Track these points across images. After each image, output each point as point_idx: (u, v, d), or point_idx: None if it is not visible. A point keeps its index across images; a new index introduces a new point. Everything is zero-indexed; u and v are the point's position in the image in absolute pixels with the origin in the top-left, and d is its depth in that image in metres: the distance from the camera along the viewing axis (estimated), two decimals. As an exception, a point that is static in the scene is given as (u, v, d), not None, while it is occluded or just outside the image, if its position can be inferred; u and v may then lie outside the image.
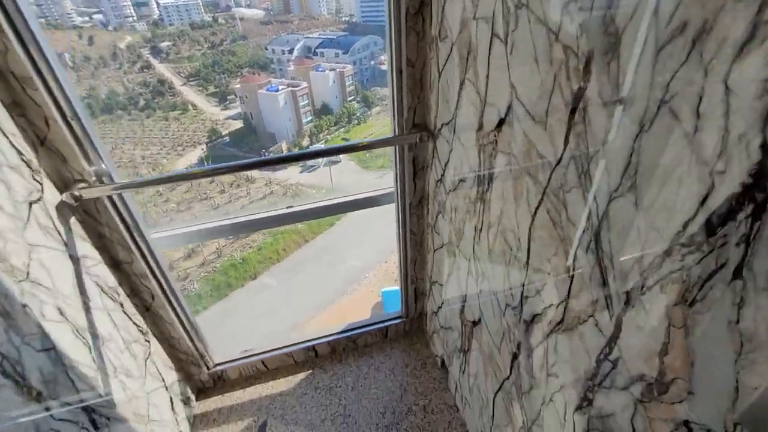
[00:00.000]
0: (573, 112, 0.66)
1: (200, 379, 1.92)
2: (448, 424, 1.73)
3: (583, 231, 0.70)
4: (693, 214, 0.49)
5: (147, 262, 1.43)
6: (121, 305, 1.41)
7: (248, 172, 23.59)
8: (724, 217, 0.46)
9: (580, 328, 0.77)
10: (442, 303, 1.68)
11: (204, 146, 26.75)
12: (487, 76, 0.91)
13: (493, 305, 1.16)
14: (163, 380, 1.63)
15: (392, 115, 1.40)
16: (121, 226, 1.31)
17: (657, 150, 0.52)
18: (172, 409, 1.67)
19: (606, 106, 0.59)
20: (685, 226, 0.50)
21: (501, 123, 0.90)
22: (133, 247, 1.37)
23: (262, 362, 1.97)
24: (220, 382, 1.97)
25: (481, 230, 1.13)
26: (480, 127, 1.00)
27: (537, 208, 0.83)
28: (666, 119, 0.50)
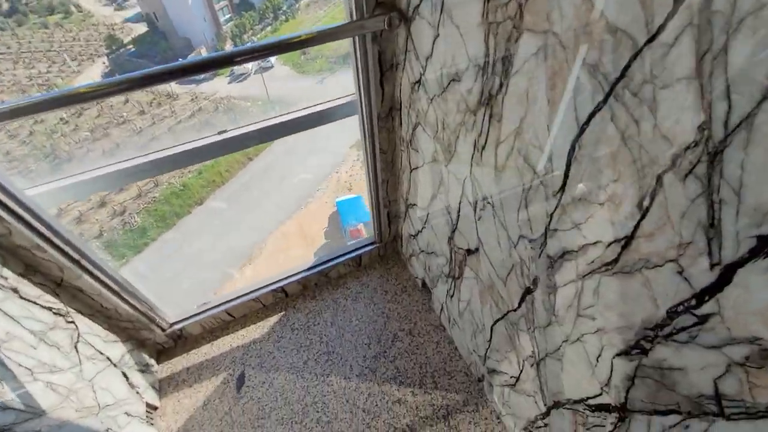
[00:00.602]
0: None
1: (157, 342, 1.68)
2: (436, 345, 1.68)
3: (686, 148, 0.46)
4: None
5: (31, 227, 1.04)
6: (14, 291, 1.06)
7: (169, 87, 20.54)
8: None
9: (647, 274, 0.58)
10: (423, 227, 1.48)
11: (105, 58, 22.45)
12: None
13: (498, 235, 0.96)
14: (108, 358, 1.37)
15: (346, -9, 0.98)
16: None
17: None
18: (128, 383, 1.45)
19: None
20: None
21: (535, -21, 0.57)
22: (0, 212, 0.96)
23: (227, 313, 1.75)
24: (181, 341, 1.75)
25: (484, 147, 0.87)
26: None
27: (592, 115, 0.57)
28: None
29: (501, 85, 0.74)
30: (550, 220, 0.75)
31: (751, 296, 0.46)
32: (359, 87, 1.19)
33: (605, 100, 0.54)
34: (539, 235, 0.80)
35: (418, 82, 1.05)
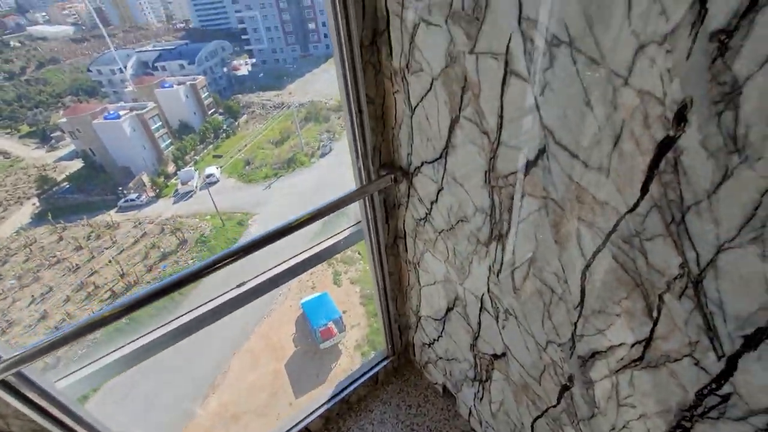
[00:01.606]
0: (657, 159, 0.60)
1: None
2: (470, 452, 1.67)
3: (675, 278, 0.66)
4: None
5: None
6: None
7: (109, 217, 19.91)
8: None
9: (671, 366, 0.75)
10: (439, 336, 1.59)
11: (36, 199, 21.57)
12: (500, 115, 0.81)
13: (525, 341, 1.10)
14: None
15: (354, 159, 1.21)
16: None
17: (800, 205, 0.48)
18: None
19: (714, 156, 0.54)
20: None
21: (529, 165, 0.81)
22: None
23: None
24: None
25: (500, 271, 1.05)
26: (492, 169, 0.90)
27: (596, 253, 0.77)
28: (818, 176, 0.46)
29: (509, 228, 0.95)
30: (575, 327, 0.91)
31: (753, 378, 0.63)
32: (369, 227, 1.37)
33: (604, 244, 0.75)
34: (567, 340, 0.96)
35: (424, 219, 1.26)
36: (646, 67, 0.55)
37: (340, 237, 1.50)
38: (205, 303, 1.37)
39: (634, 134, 0.61)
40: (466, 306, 1.29)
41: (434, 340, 1.65)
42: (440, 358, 1.68)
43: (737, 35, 0.46)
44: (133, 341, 1.23)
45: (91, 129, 22.63)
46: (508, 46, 0.72)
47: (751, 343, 0.61)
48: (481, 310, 1.23)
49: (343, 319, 12.20)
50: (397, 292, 1.66)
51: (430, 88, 0.95)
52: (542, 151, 0.77)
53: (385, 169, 1.24)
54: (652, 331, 0.74)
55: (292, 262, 1.47)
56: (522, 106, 0.76)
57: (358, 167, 1.22)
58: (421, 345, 1.80)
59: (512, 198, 0.90)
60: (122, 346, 1.22)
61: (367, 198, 1.29)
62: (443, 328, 1.53)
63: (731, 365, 0.65)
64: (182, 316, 1.32)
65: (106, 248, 18.10)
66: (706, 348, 0.67)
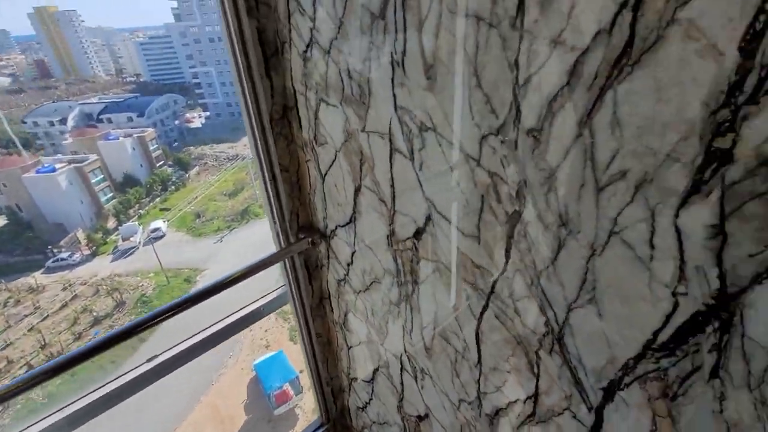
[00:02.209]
0: (511, 229, 0.68)
1: None
2: None
3: (544, 335, 0.72)
4: (661, 326, 0.54)
5: None
6: None
7: (32, 280, 17.88)
8: (692, 329, 0.51)
9: (557, 420, 0.78)
10: (370, 399, 1.54)
11: (-59, 266, 19.06)
12: (392, 186, 0.88)
13: (442, 401, 1.11)
14: None
15: (272, 222, 1.23)
16: None
17: (613, 271, 0.57)
18: None
19: (549, 228, 0.62)
20: (655, 335, 0.55)
21: (420, 232, 0.87)
22: None
23: None
24: None
25: (412, 330, 1.08)
26: (392, 234, 0.96)
27: (482, 313, 0.82)
28: (619, 247, 0.54)
29: (413, 288, 0.99)
30: (479, 385, 0.94)
31: (614, 426, 0.68)
32: (291, 289, 1.36)
33: (487, 304, 0.80)
34: (474, 398, 0.98)
35: (343, 280, 1.28)
36: (490, 153, 0.64)
37: (264, 301, 1.47)
38: (113, 380, 1.26)
39: (491, 207, 0.69)
40: (389, 367, 1.29)
41: (366, 403, 1.60)
42: (374, 422, 1.62)
43: (544, 133, 0.56)
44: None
45: (20, 183, 20.96)
46: (390, 128, 0.81)
47: (608, 395, 0.66)
48: (402, 371, 1.23)
49: (300, 380, 11.38)
50: (327, 354, 1.62)
51: (335, 158, 1.01)
52: (429, 219, 0.84)
53: (303, 232, 1.26)
54: (537, 386, 0.79)
55: (210, 332, 1.40)
56: (408, 179, 0.83)
57: (276, 231, 1.24)
58: (356, 409, 1.74)
59: (412, 261, 0.95)
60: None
61: (287, 260, 1.29)
62: (372, 390, 1.49)
63: (599, 417, 0.70)
64: (90, 393, 1.19)
65: (27, 315, 16.08)
66: (579, 401, 0.72)
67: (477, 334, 0.86)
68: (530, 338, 0.75)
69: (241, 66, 0.96)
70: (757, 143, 0.39)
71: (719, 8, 0.37)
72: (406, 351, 1.15)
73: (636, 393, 0.62)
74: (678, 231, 0.48)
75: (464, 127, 0.66)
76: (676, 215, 0.47)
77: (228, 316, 1.37)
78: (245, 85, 0.99)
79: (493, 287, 0.77)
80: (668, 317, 0.53)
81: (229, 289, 1.12)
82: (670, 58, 0.41)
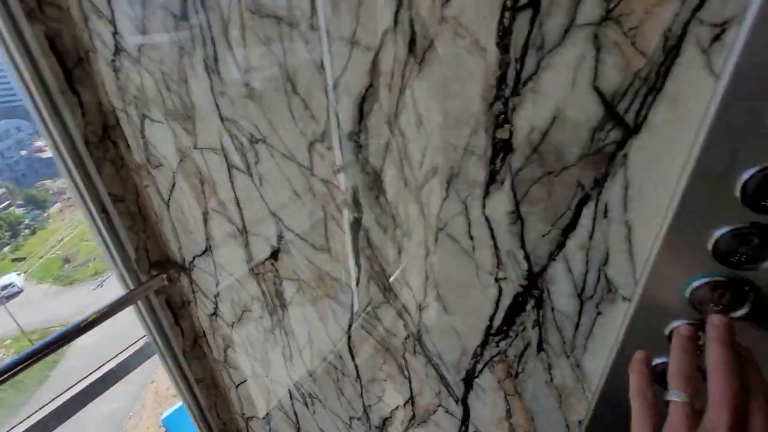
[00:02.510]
0: (355, 237, 0.65)
1: None
2: None
3: (406, 338, 0.71)
4: (494, 312, 0.57)
5: None
6: None
7: None
8: (517, 310, 0.54)
9: (433, 418, 0.78)
10: (269, 436, 1.41)
11: None
12: (239, 206, 0.80)
13: (335, 422, 1.05)
14: None
15: (112, 264, 1.04)
16: None
17: (447, 266, 0.57)
18: None
19: (387, 232, 0.61)
20: (491, 320, 0.58)
21: (276, 252, 0.81)
22: None
23: None
24: None
25: (291, 356, 1.00)
26: (250, 257, 0.87)
27: (350, 326, 0.79)
28: (447, 242, 0.55)
29: (283, 313, 0.92)
30: (363, 399, 0.90)
31: (482, 414, 0.70)
32: (154, 336, 1.17)
33: (352, 317, 0.77)
34: (362, 413, 0.94)
35: (214, 314, 1.14)
36: (320, 160, 0.61)
37: (127, 354, 1.25)
38: None
39: (334, 217, 0.66)
40: (280, 398, 1.19)
41: (266, 441, 1.46)
42: (278, 459, 1.49)
43: (362, 136, 0.54)
44: None
45: None
46: (221, 142, 0.73)
47: (468, 385, 0.68)
48: (292, 400, 1.14)
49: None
50: (215, 397, 1.44)
51: (174, 182, 0.89)
52: (281, 237, 0.77)
53: (158, 267, 1.10)
54: (411, 389, 0.78)
55: (68, 396, 1.14)
56: (252, 197, 0.76)
57: (120, 272, 1.05)
58: (258, 450, 1.58)
59: (275, 283, 0.87)
60: None
61: (141, 303, 1.11)
62: (270, 427, 1.37)
63: (466, 407, 0.71)
64: None
65: None
66: (447, 396, 0.73)
67: (350, 348, 0.83)
68: (395, 343, 0.73)
69: (30, 82, 0.78)
70: (527, 132, 0.41)
71: (475, 5, 0.38)
72: (291, 378, 1.07)
73: (488, 378, 0.64)
74: (488, 220, 0.50)
75: (291, 136, 0.62)
76: (484, 206, 0.49)
77: (70, 388, 1.13)
78: (41, 104, 0.81)
79: (354, 298, 0.74)
80: (497, 302, 0.55)
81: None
82: (448, 55, 0.42)
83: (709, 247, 0.36)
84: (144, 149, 0.89)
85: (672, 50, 0.32)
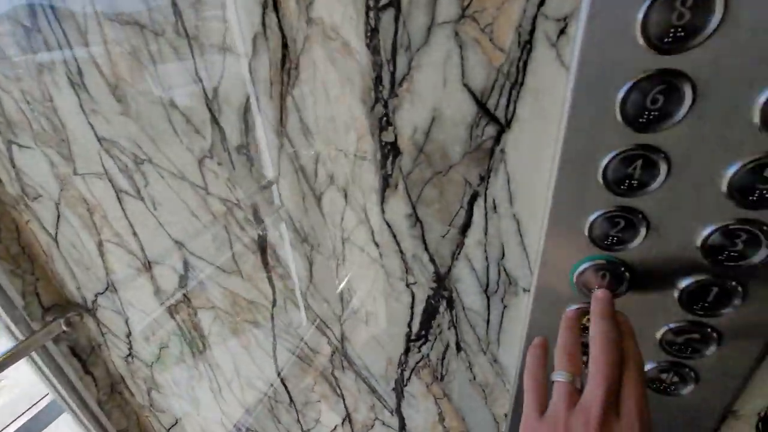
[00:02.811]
0: (264, 255, 0.61)
1: None
2: None
3: (332, 354, 0.68)
4: (410, 317, 0.55)
5: None
6: None
7: None
8: (432, 313, 0.53)
9: (373, 432, 0.76)
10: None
11: None
12: (135, 234, 0.72)
13: (276, 452, 0.98)
14: None
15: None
16: None
17: (358, 275, 0.55)
18: None
19: (294, 247, 0.57)
20: (410, 326, 0.56)
21: (184, 280, 0.74)
22: None
23: None
24: None
25: (221, 390, 0.92)
26: (157, 290, 0.79)
27: (274, 350, 0.74)
28: (354, 252, 0.53)
29: (204, 345, 0.84)
30: (300, 424, 0.85)
31: (416, 421, 0.68)
32: (58, 391, 1.02)
33: (275, 340, 0.73)
34: (302, 438, 0.89)
35: (129, 355, 1.03)
36: (213, 178, 0.56)
37: (24, 420, 1.08)
38: None
39: (238, 237, 0.61)
40: (216, 435, 1.10)
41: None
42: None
43: (252, 148, 0.51)
44: None
45: None
46: (103, 166, 0.65)
47: (399, 394, 0.66)
48: (229, 436, 1.06)
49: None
50: (144, 447, 1.30)
51: (59, 213, 0.79)
52: (186, 264, 0.71)
53: (55, 312, 0.96)
54: (345, 406, 0.75)
55: None
56: (148, 223, 0.69)
57: (5, 323, 0.90)
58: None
59: (190, 314, 0.80)
60: None
61: (37, 354, 0.96)
62: (211, 467, 1.26)
63: (401, 416, 0.70)
64: None
65: None
66: (381, 408, 0.70)
67: (278, 373, 0.78)
68: (322, 361, 0.70)
69: None
70: (410, 133, 0.41)
71: (340, 6, 0.37)
72: (224, 413, 0.99)
73: (416, 385, 0.62)
74: (389, 225, 0.48)
75: (178, 154, 0.57)
76: (383, 211, 0.47)
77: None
78: None
79: (273, 320, 0.70)
80: (412, 308, 0.54)
81: None
82: (321, 58, 0.40)
83: (586, 232, 0.37)
84: (17, 180, 0.78)
85: (526, 45, 0.33)
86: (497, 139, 0.38)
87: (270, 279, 0.63)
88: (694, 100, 0.28)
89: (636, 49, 0.28)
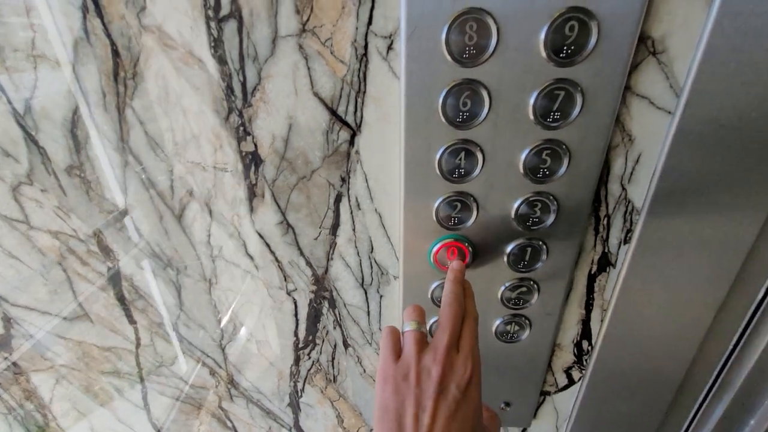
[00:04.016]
0: (116, 289, 0.54)
1: None
2: None
3: (217, 386, 0.63)
4: (296, 325, 0.56)
5: None
6: None
7: None
8: (316, 316, 0.55)
9: (273, 457, 0.72)
10: None
11: None
12: None
13: None
14: None
15: None
16: None
17: (238, 293, 0.53)
18: None
19: (157, 274, 0.52)
20: (296, 334, 0.56)
21: (5, 342, 0.59)
22: None
23: None
24: None
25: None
26: (-37, 361, 0.61)
27: (146, 398, 0.65)
28: (227, 268, 0.51)
29: (46, 417, 0.69)
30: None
31: (314, 430, 0.68)
32: None
33: (143, 386, 0.64)
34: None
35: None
36: (36, 207, 0.47)
37: None
38: None
39: (80, 273, 0.53)
40: None
41: None
42: None
43: (85, 168, 0.44)
44: None
45: None
46: None
47: (295, 408, 0.65)
48: None
49: None
50: None
51: None
52: (8, 320, 0.57)
53: None
54: (240, 438, 0.70)
55: None
56: (-61, 276, 0.54)
57: None
58: None
59: (20, 382, 0.64)
60: None
61: None
62: None
63: (300, 431, 0.68)
64: None
65: None
66: (279, 428, 0.68)
67: (153, 425, 0.68)
68: (207, 396, 0.64)
69: None
70: (270, 141, 0.41)
71: (177, 14, 0.36)
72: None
73: (311, 393, 0.62)
74: (261, 235, 0.48)
75: (-20, 183, 0.46)
76: (253, 222, 0.47)
77: None
78: None
79: (138, 364, 0.61)
80: (296, 315, 0.54)
81: None
82: (162, 68, 0.38)
83: (434, 217, 0.43)
84: None
85: (362, 58, 0.37)
86: (351, 142, 0.41)
87: (129, 315, 0.56)
88: (490, 104, 0.36)
89: (445, 63, 0.34)
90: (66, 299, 0.54)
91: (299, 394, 0.63)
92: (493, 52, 0.33)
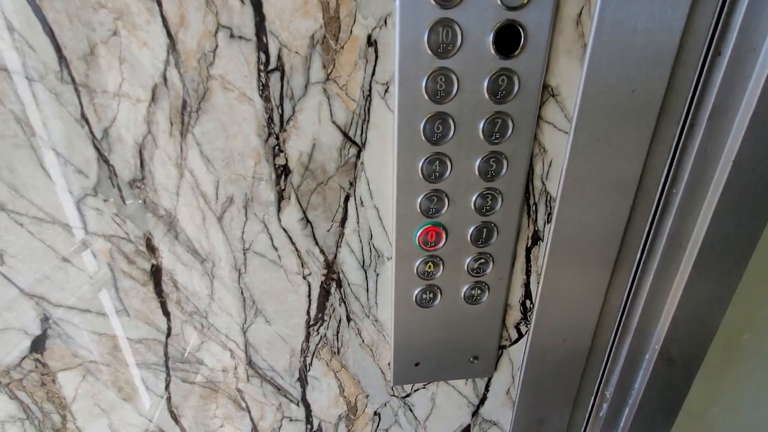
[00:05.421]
0: (158, 286, 0.64)
1: None
2: None
3: (235, 368, 0.73)
4: (308, 305, 0.69)
5: None
6: None
7: None
8: (326, 296, 0.68)
9: (281, 434, 0.82)
10: None
11: None
12: (-38, 302, 0.61)
13: None
14: None
15: None
16: None
17: (260, 280, 0.65)
18: None
19: (194, 269, 0.63)
20: (309, 313, 0.69)
21: (40, 342, 0.66)
22: None
23: None
24: None
25: (87, 468, 0.79)
26: (-7, 365, 0.66)
27: (168, 386, 0.73)
28: (256, 259, 0.63)
29: (63, 418, 0.74)
30: (199, 463, 0.83)
31: (318, 403, 0.80)
32: None
33: (169, 374, 0.72)
34: (201, 481, 0.86)
35: None
36: (96, 216, 0.57)
37: None
38: None
39: (125, 272, 0.62)
40: None
41: None
42: None
43: (147, 182, 0.56)
44: None
45: None
46: None
47: (303, 382, 0.77)
48: None
49: None
50: None
51: None
52: (46, 320, 0.64)
53: None
54: (251, 418, 0.80)
55: None
56: (-13, 282, 0.60)
57: None
58: None
59: (44, 384, 0.70)
60: None
61: None
62: None
63: (306, 404, 0.80)
64: None
65: None
66: (288, 403, 0.79)
67: (171, 413, 0.76)
68: (225, 378, 0.74)
69: None
70: (297, 157, 0.56)
71: (236, 67, 0.50)
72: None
73: (318, 366, 0.75)
74: (285, 230, 0.61)
75: (47, 197, 0.55)
76: (279, 219, 0.60)
77: None
78: None
79: (166, 354, 0.70)
80: (309, 296, 0.67)
81: None
82: (221, 104, 0.52)
83: (418, 209, 0.60)
84: None
85: (368, 97, 0.54)
86: (358, 156, 0.57)
87: (165, 308, 0.65)
88: (455, 128, 0.54)
89: (424, 101, 0.52)
90: (109, 297, 0.63)
91: (308, 368, 0.75)
92: (455, 95, 0.51)
